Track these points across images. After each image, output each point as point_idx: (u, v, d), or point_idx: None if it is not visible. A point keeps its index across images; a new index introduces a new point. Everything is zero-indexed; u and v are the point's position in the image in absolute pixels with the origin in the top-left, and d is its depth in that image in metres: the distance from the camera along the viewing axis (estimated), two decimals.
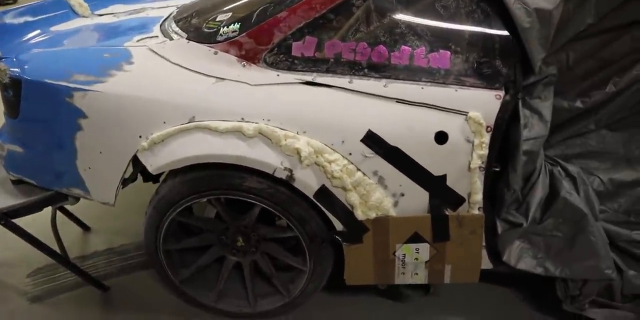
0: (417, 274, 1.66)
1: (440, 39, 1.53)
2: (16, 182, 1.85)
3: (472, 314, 1.90)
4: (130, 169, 1.66)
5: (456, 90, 1.52)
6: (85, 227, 2.36)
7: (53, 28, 1.97)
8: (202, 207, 1.89)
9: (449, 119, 1.51)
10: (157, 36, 1.75)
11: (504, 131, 1.55)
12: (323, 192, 1.54)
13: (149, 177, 1.93)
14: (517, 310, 1.92)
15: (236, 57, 1.58)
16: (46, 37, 1.88)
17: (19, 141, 1.75)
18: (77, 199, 1.83)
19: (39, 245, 1.82)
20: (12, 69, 1.66)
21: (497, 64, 1.52)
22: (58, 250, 1.93)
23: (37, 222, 1.94)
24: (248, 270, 1.81)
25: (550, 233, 1.68)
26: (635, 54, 1.63)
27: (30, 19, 1.92)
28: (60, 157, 1.68)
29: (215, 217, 1.82)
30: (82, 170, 1.68)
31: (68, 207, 2.24)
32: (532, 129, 1.59)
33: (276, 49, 1.55)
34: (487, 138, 1.51)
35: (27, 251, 2.15)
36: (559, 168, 1.74)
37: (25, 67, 1.66)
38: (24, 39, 1.85)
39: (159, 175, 1.91)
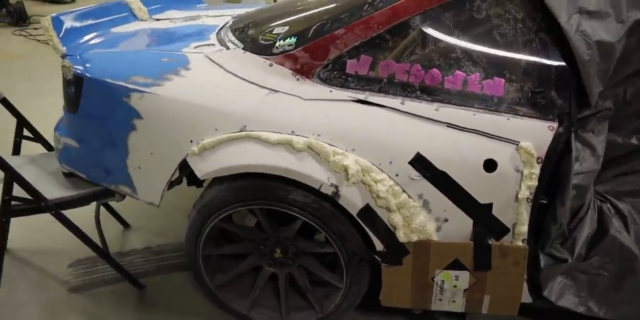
0: (454, 301, 1.63)
1: (495, 66, 1.51)
2: (67, 175, 1.91)
3: None
4: (177, 173, 1.70)
5: (508, 119, 1.49)
6: (125, 225, 2.41)
7: (113, 29, 2.04)
8: (243, 216, 1.91)
9: (499, 147, 1.49)
10: (213, 44, 1.79)
11: (555, 163, 1.51)
12: (367, 211, 1.53)
13: (193, 181, 1.96)
14: None
15: (291, 71, 1.60)
16: (106, 38, 1.95)
17: (75, 136, 1.81)
18: (123, 197, 1.88)
19: (84, 238, 1.87)
20: (75, 67, 1.72)
21: (552, 95, 1.49)
22: (100, 245, 1.98)
23: (81, 215, 1.99)
24: (283, 282, 1.81)
25: (596, 271, 1.63)
26: None
27: (92, 20, 1.99)
28: (112, 154, 1.74)
29: (255, 227, 1.84)
30: (132, 169, 1.72)
31: (111, 203, 2.31)
32: (584, 163, 1.55)
33: (331, 65, 1.57)
34: (537, 169, 1.48)
35: (69, 242, 2.23)
36: (609, 205, 1.69)
37: (88, 65, 1.72)
38: (86, 39, 1.92)
39: (204, 179, 1.95)
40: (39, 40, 5.18)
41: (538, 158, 1.47)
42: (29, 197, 1.73)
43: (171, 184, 1.77)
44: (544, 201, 1.56)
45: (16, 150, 2.09)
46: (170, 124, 1.62)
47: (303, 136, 1.53)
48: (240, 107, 1.58)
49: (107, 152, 1.75)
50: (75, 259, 2.21)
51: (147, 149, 1.67)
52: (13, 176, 1.68)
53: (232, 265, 1.87)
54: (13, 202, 1.73)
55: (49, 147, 2.14)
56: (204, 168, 1.60)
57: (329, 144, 1.52)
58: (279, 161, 1.53)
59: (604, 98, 1.55)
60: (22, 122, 2.05)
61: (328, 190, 1.52)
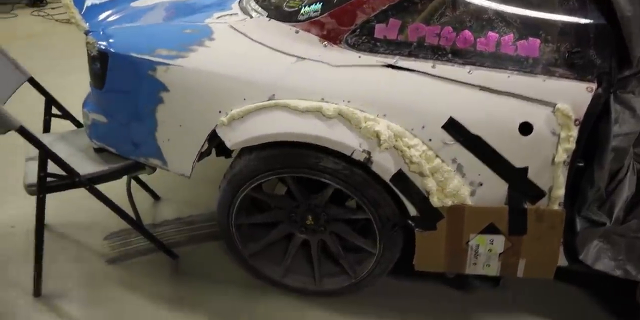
0: (489, 265, 1.63)
1: (530, 27, 1.45)
2: (98, 150, 1.93)
3: (538, 311, 1.85)
4: (206, 144, 1.70)
5: (544, 81, 1.45)
6: (156, 197, 2.44)
7: (133, 4, 2.02)
8: (273, 184, 1.91)
9: (535, 109, 1.45)
10: (236, 13, 1.76)
11: (593, 126, 1.47)
12: (400, 177, 1.52)
13: (222, 151, 1.97)
14: (587, 312, 1.86)
15: (318, 37, 1.56)
16: (127, 13, 1.92)
17: (103, 111, 1.82)
18: (153, 169, 1.90)
19: (117, 210, 1.90)
20: (100, 43, 1.71)
21: (591, 55, 1.44)
22: (133, 217, 2.01)
23: (113, 189, 2.02)
24: (315, 249, 1.83)
25: (634, 234, 1.61)
26: None
27: None
28: (141, 128, 1.74)
29: (286, 195, 1.84)
30: (161, 142, 1.73)
31: (142, 176, 2.34)
32: (623, 125, 1.50)
33: (359, 30, 1.53)
34: (574, 132, 1.44)
35: (103, 216, 2.27)
36: None
37: (112, 40, 1.71)
38: (107, 15, 1.89)
39: (232, 150, 1.95)
40: (57, 20, 5.16)
41: (576, 120, 1.43)
42: (63, 173, 1.75)
43: (201, 155, 1.78)
44: (581, 164, 1.53)
45: (46, 128, 2.11)
46: (197, 95, 1.62)
47: (333, 103, 1.51)
48: (267, 75, 1.56)
49: (135, 126, 1.76)
50: (109, 231, 2.25)
51: (175, 121, 1.67)
52: (47, 153, 1.70)
53: (263, 233, 1.89)
54: (48, 179, 1.75)
55: (77, 124, 2.15)
56: (233, 138, 1.60)
57: (360, 110, 1.50)
58: (309, 129, 1.51)
59: None
60: (51, 100, 2.06)
61: (360, 157, 1.51)
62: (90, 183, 1.80)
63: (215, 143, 1.77)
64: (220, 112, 1.60)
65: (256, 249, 1.88)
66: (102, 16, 1.87)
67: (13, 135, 1.71)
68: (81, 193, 1.89)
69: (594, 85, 1.42)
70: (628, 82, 1.50)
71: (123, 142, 1.82)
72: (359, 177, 1.58)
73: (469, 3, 1.47)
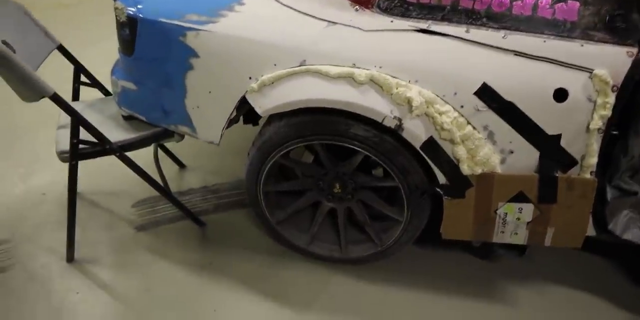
0: (516, 233, 1.63)
1: None
2: (127, 118, 1.95)
3: (562, 281, 1.86)
4: (235, 111, 1.70)
5: (582, 45, 1.41)
6: (181, 165, 2.47)
7: None
8: (300, 153, 1.92)
9: (571, 75, 1.42)
10: None
11: (630, 94, 1.44)
12: (430, 144, 1.52)
13: (249, 119, 1.97)
14: (613, 281, 1.87)
15: (349, 1, 1.54)
16: None
17: (132, 78, 1.82)
18: (182, 137, 1.91)
19: (147, 177, 1.92)
20: (129, 8, 1.71)
21: (634, 18, 1.39)
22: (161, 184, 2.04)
23: (139, 156, 2.04)
24: (342, 217, 1.84)
25: None
26: None
27: None
28: (170, 95, 1.75)
29: (314, 162, 1.85)
30: (191, 109, 1.74)
31: (167, 144, 2.36)
32: None
33: None
34: (611, 98, 1.41)
35: (130, 184, 2.32)
36: None
37: (141, 6, 1.70)
38: None
39: (259, 117, 1.96)
40: None
41: (613, 86, 1.40)
42: (94, 140, 1.77)
43: (229, 123, 1.78)
44: (616, 133, 1.50)
45: (75, 96, 2.13)
46: (227, 61, 1.61)
47: (364, 68, 1.50)
48: (298, 40, 1.54)
49: (165, 93, 1.76)
50: (137, 199, 2.29)
51: (205, 87, 1.67)
52: (79, 120, 1.72)
53: (290, 201, 1.91)
54: (80, 146, 1.77)
55: (106, 92, 2.16)
56: (264, 104, 1.60)
57: (392, 76, 1.48)
58: (341, 95, 1.51)
59: None
60: (79, 68, 2.07)
61: (391, 123, 1.50)
62: (120, 150, 1.82)
63: (244, 110, 1.77)
64: (250, 78, 1.59)
65: (283, 216, 1.90)
66: None
67: (40, 105, 1.72)
68: (109, 161, 1.92)
69: (635, 50, 1.39)
70: None
71: (152, 109, 1.83)
72: (389, 145, 1.58)
73: None
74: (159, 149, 2.28)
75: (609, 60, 1.40)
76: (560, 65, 1.42)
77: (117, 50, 1.86)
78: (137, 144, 1.86)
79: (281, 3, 1.59)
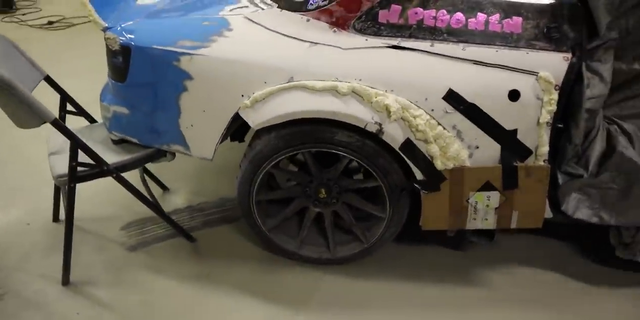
0: (486, 219, 1.85)
1: (513, 7, 1.69)
2: (117, 142, 2.05)
3: (530, 263, 2.10)
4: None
5: (527, 53, 1.69)
6: (164, 188, 2.56)
7: (138, 1, 2.14)
8: (284, 165, 2.08)
9: (521, 78, 1.68)
10: (247, 6, 1.92)
11: (569, 92, 1.71)
12: (408, 144, 1.73)
13: (235, 136, 2.12)
14: (571, 260, 2.13)
15: (327, 24, 1.75)
16: (134, 10, 2.04)
17: (125, 103, 1.94)
18: (173, 156, 2.03)
19: (141, 197, 2.02)
20: (121, 37, 1.84)
21: (565, 29, 1.68)
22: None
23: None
24: (329, 220, 2.01)
25: (606, 185, 1.85)
26: None
27: None
28: (164, 116, 1.88)
29: (300, 171, 2.01)
30: (184, 128, 1.87)
31: (150, 168, 2.46)
32: (594, 89, 1.75)
33: (364, 16, 1.73)
34: (555, 95, 1.68)
35: (115, 208, 2.40)
36: (616, 126, 1.90)
37: (133, 35, 1.84)
38: (117, 13, 2.02)
39: (244, 134, 2.12)
40: (31, 26, 5.16)
41: (556, 86, 1.68)
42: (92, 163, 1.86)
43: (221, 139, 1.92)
44: (561, 125, 1.77)
45: None
46: (220, 81, 1.77)
47: (346, 82, 1.70)
48: (285, 60, 1.73)
49: (158, 115, 1.89)
50: (124, 223, 2.36)
51: (199, 107, 1.82)
52: (78, 144, 1.81)
53: (278, 210, 2.06)
54: (78, 169, 1.85)
55: (91, 120, 2.24)
56: (256, 119, 1.76)
57: (370, 87, 1.69)
58: (327, 105, 1.70)
59: (610, 29, 1.74)
60: (65, 98, 2.15)
61: (373, 128, 1.70)
62: (117, 171, 1.92)
63: (233, 128, 1.92)
64: (242, 95, 1.76)
65: (275, 223, 2.05)
66: (114, 14, 1.99)
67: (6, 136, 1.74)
68: (91, 188, 1.99)
69: (569, 55, 1.67)
70: (596, 51, 1.75)
71: (145, 131, 1.94)
72: (370, 148, 1.78)
73: None
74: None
75: (550, 64, 1.68)
76: (511, 70, 1.69)
77: (108, 77, 1.96)
78: (131, 165, 1.96)
79: (267, 28, 1.78)
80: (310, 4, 1.78)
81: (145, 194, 2.20)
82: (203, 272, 2.08)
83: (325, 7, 1.75)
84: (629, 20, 1.77)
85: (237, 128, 1.96)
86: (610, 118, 1.92)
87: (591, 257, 2.12)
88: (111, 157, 1.96)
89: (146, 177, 2.46)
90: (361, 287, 2.00)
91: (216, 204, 2.47)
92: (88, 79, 3.00)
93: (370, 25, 1.72)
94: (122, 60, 1.85)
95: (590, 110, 1.76)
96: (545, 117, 1.70)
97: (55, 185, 2.29)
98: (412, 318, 1.88)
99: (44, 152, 2.04)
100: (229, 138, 2.10)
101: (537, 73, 1.67)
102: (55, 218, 2.37)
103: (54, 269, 2.04)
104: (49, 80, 2.10)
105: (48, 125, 1.78)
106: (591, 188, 1.86)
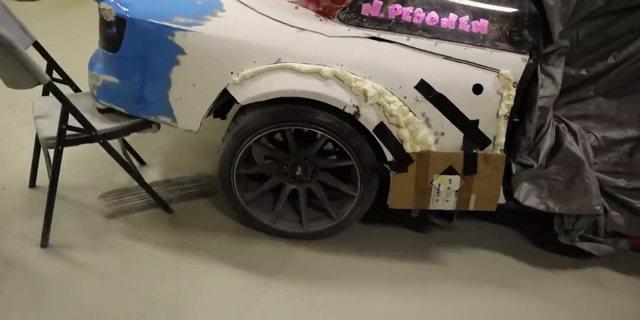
0: (447, 201, 2.03)
1: (481, 11, 1.88)
2: (103, 111, 2.14)
3: (483, 245, 2.29)
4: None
5: (491, 52, 1.88)
6: (142, 162, 2.65)
7: None
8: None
9: (484, 74, 1.88)
10: None
11: (525, 89, 1.92)
12: (381, 127, 1.90)
13: (218, 113, 2.24)
14: (521, 241, 2.34)
15: (314, 12, 1.90)
16: None
17: (115, 73, 2.03)
18: (158, 127, 2.13)
19: (124, 164, 2.12)
20: (117, 9, 1.94)
21: (525, 34, 1.89)
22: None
23: (99, 153, 2.19)
24: (303, 196, 2.16)
25: (553, 177, 2.06)
26: (632, 33, 2.02)
27: None
28: (154, 88, 1.99)
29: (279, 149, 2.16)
30: (173, 100, 1.98)
31: (129, 141, 2.54)
32: (546, 89, 1.96)
33: (348, 8, 1.89)
34: (513, 91, 1.88)
35: (92, 177, 2.48)
36: (563, 124, 2.12)
37: (128, 8, 1.94)
38: None
39: (227, 111, 2.24)
40: None
41: (514, 83, 1.88)
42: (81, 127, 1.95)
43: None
44: (517, 120, 1.97)
45: (45, 92, 2.26)
46: (212, 58, 1.90)
47: (329, 66, 1.85)
48: (274, 42, 1.87)
49: (148, 86, 2.00)
50: (102, 191, 2.43)
51: (189, 81, 1.94)
52: (70, 107, 1.89)
53: (256, 186, 2.19)
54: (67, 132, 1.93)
55: (75, 89, 2.32)
56: (244, 95, 1.89)
57: (351, 73, 1.85)
58: (311, 86, 1.85)
59: (562, 37, 1.95)
60: (53, 65, 2.21)
61: (351, 110, 1.87)
62: (104, 138, 2.01)
63: (219, 104, 2.05)
64: (232, 73, 1.89)
65: (252, 197, 2.18)
66: None
67: None
68: (67, 157, 2.06)
69: (527, 57, 1.88)
70: (549, 56, 1.96)
71: (134, 101, 2.04)
72: (347, 130, 1.94)
73: None
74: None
75: (510, 64, 1.88)
76: (477, 66, 1.88)
77: (99, 46, 2.05)
78: (118, 133, 2.06)
79: (257, 11, 1.92)
80: None
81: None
82: (180, 241, 2.19)
83: None
84: (579, 32, 1.99)
85: (222, 105, 2.08)
86: (559, 117, 2.14)
87: (538, 243, 2.33)
88: (98, 124, 2.05)
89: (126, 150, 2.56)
90: (331, 260, 2.15)
91: (193, 179, 2.57)
92: (75, 49, 3.05)
93: (353, 17, 1.89)
94: (117, 31, 1.95)
95: (543, 107, 1.97)
96: (504, 110, 1.89)
97: (34, 151, 2.36)
98: (378, 289, 2.04)
99: (18, 119, 2.10)
100: (212, 115, 2.22)
101: (499, 70, 1.87)
102: (32, 184, 2.44)
103: (33, 232, 2.12)
104: (37, 46, 2.16)
105: (16, 94, 1.80)
106: (540, 179, 2.07)
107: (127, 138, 2.48)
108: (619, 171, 2.14)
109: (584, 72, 2.07)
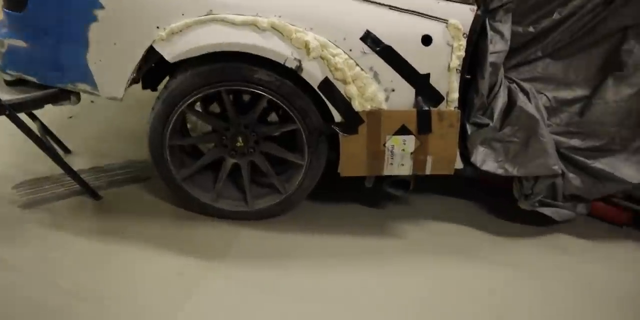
0: (403, 164, 1.89)
1: None
2: (11, 83, 1.88)
3: (441, 218, 2.16)
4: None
5: (438, 2, 1.78)
6: (66, 150, 2.37)
7: None
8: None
9: (433, 24, 1.77)
10: None
11: (475, 43, 1.83)
12: (326, 84, 1.74)
13: (148, 83, 2.02)
14: (480, 212, 2.23)
15: None
16: None
17: (22, 35, 1.79)
18: (78, 99, 1.89)
19: (40, 142, 1.86)
20: None
21: None
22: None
23: (20, 139, 1.96)
24: (246, 170, 1.95)
25: (508, 139, 1.97)
26: None
27: None
28: (70, 50, 1.76)
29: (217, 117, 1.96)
30: (92, 64, 1.76)
31: (52, 128, 2.28)
32: (496, 45, 1.89)
33: None
34: (464, 42, 1.78)
35: (2, 167, 2.18)
36: (515, 85, 2.05)
37: None
38: None
39: (158, 82, 2.03)
40: None
41: (464, 33, 1.78)
42: None
43: (130, 83, 1.82)
44: (468, 76, 1.87)
45: None
46: (134, 12, 1.69)
47: (266, 17, 1.69)
48: None
49: (63, 49, 1.77)
50: (17, 181, 2.14)
51: (110, 39, 1.72)
52: None
53: (194, 162, 1.98)
54: None
55: None
56: (172, 51, 1.70)
57: (290, 24, 1.70)
58: (247, 39, 1.68)
59: None
60: None
61: (292, 64, 1.70)
62: (11, 109, 1.75)
63: (146, 67, 1.84)
64: (158, 27, 1.69)
65: (188, 173, 1.96)
66: None
67: None
68: None
69: (474, 8, 1.79)
70: (496, 12, 1.89)
71: (47, 68, 1.80)
72: (289, 88, 1.77)
73: None
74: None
75: (459, 14, 1.78)
76: (424, 17, 1.77)
77: (2, 7, 1.81)
78: (28, 104, 1.81)
79: None
80: None
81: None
82: (108, 228, 1.94)
83: None
84: None
85: (150, 72, 1.87)
86: (510, 78, 2.06)
87: (497, 213, 2.22)
88: (4, 95, 1.79)
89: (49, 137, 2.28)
90: (279, 240, 1.96)
91: (123, 165, 2.32)
92: None
93: None
94: None
95: (494, 64, 1.88)
96: (455, 62, 1.79)
97: None
98: (331, 267, 1.86)
99: None
100: (140, 85, 2.00)
101: (447, 20, 1.77)
102: None
103: None
104: None
105: None
106: (496, 142, 1.98)
107: (48, 126, 2.23)
108: (572, 131, 2.09)
109: (531, 29, 2.02)
